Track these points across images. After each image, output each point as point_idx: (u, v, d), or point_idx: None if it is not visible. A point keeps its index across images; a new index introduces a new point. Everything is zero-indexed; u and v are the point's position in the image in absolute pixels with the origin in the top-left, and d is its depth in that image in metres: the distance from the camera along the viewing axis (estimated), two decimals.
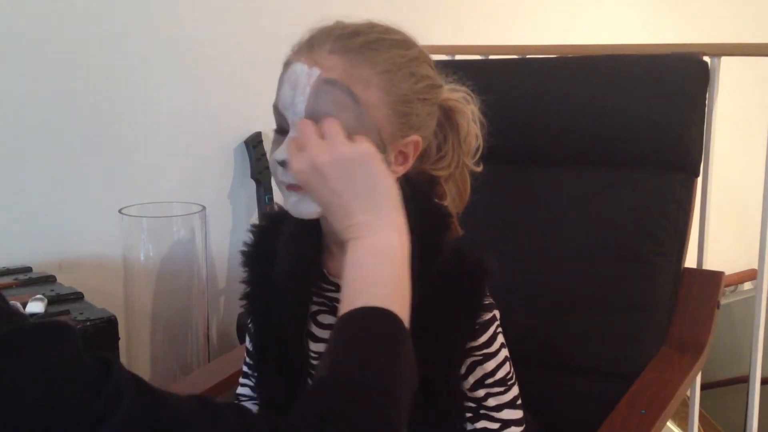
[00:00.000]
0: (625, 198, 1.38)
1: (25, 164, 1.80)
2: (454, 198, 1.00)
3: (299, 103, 0.86)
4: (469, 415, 0.98)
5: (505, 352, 0.98)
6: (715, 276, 1.40)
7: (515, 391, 0.99)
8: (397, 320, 0.75)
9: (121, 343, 1.56)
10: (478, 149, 1.01)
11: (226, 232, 2.16)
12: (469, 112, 0.99)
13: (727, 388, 2.48)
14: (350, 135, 0.84)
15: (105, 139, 1.91)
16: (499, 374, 0.97)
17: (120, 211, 1.81)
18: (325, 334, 0.99)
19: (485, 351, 0.96)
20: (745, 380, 1.72)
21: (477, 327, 0.95)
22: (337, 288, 0.97)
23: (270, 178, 2.08)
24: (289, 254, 0.98)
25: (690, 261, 1.45)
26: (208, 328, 1.92)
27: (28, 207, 1.81)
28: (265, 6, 2.15)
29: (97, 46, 1.87)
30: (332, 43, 0.87)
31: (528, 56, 1.91)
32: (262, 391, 1.07)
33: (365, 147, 0.83)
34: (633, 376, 1.24)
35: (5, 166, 1.77)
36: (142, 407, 0.60)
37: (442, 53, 2.10)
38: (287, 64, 0.89)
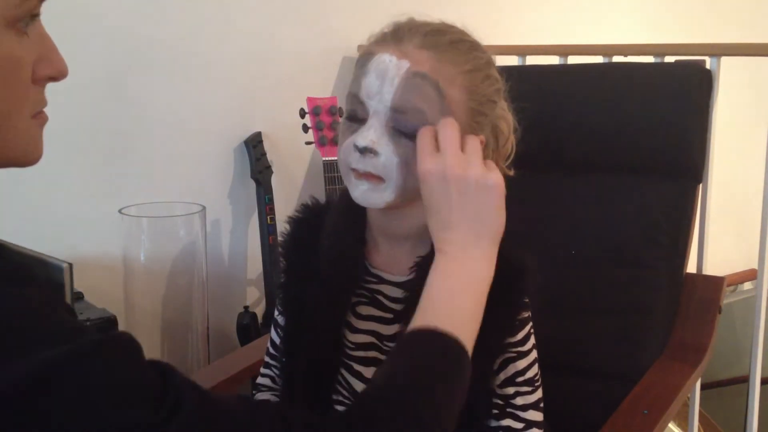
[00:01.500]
0: (628, 203, 1.40)
1: None
2: None
3: (386, 93, 0.87)
4: (495, 411, 0.97)
5: (535, 353, 0.99)
6: (717, 281, 1.42)
7: (540, 393, 0.99)
8: (464, 352, 0.78)
9: None
10: (510, 155, 1.03)
11: (226, 232, 2.16)
12: (510, 119, 1.01)
13: (727, 388, 2.48)
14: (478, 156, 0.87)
15: (105, 139, 1.91)
16: (529, 374, 0.97)
17: (120, 211, 1.80)
18: (363, 325, 0.99)
19: (519, 349, 0.96)
20: (745, 380, 1.72)
21: (516, 323, 0.96)
22: (379, 280, 0.98)
23: (270, 178, 2.07)
24: (334, 247, 0.98)
25: (690, 264, 1.46)
26: (208, 328, 1.92)
27: (29, 207, 1.81)
28: (265, 6, 2.14)
29: (98, 46, 1.86)
30: (421, 38, 0.89)
31: (529, 61, 1.91)
32: (289, 382, 1.06)
33: (495, 178, 0.86)
34: (636, 378, 1.25)
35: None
36: (200, 411, 0.63)
37: None
38: (369, 54, 0.90)
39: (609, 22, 3.00)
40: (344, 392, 1.01)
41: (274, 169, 2.10)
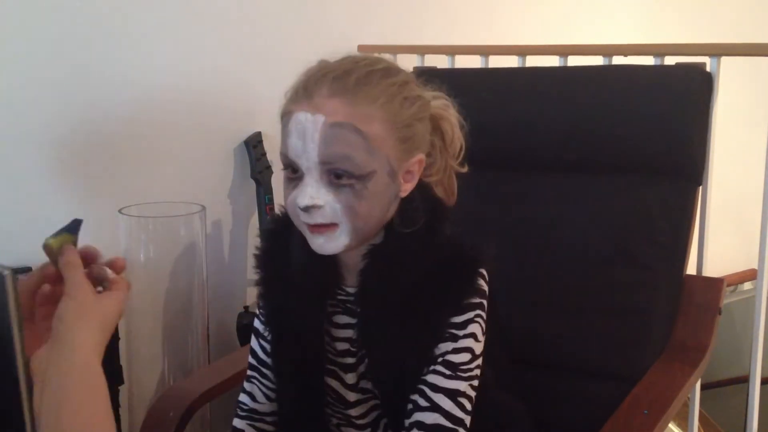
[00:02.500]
0: (628, 205, 1.41)
1: (25, 164, 1.79)
2: (443, 199, 1.04)
3: (311, 151, 0.90)
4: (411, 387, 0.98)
5: (471, 343, 0.96)
6: (717, 283, 1.42)
7: (466, 387, 0.96)
8: None
9: (121, 343, 1.56)
10: (461, 151, 1.04)
11: (226, 232, 2.16)
12: (452, 117, 1.02)
13: (727, 388, 2.48)
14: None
15: (105, 139, 1.91)
16: (454, 359, 0.96)
17: (120, 211, 1.80)
18: (341, 332, 1.03)
19: (453, 331, 0.96)
20: (745, 380, 1.72)
21: (463, 305, 0.96)
22: (347, 295, 1.02)
23: (270, 178, 2.08)
24: (305, 260, 1.00)
25: (690, 265, 1.46)
26: (208, 328, 1.92)
27: (28, 207, 1.81)
28: (265, 7, 2.15)
29: (98, 46, 1.86)
30: (329, 87, 0.91)
31: (529, 61, 1.91)
32: (279, 389, 1.09)
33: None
34: (636, 378, 1.25)
35: (5, 166, 1.77)
36: None
37: (442, 53, 2.10)
38: (288, 114, 0.93)
39: (609, 22, 3.00)
40: (330, 398, 1.05)
41: (274, 169, 2.10)
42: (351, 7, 2.31)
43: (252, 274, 2.20)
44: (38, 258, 1.85)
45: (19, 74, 1.76)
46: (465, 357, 0.96)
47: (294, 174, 0.93)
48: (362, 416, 1.05)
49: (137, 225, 1.81)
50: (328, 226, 0.92)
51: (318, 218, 0.91)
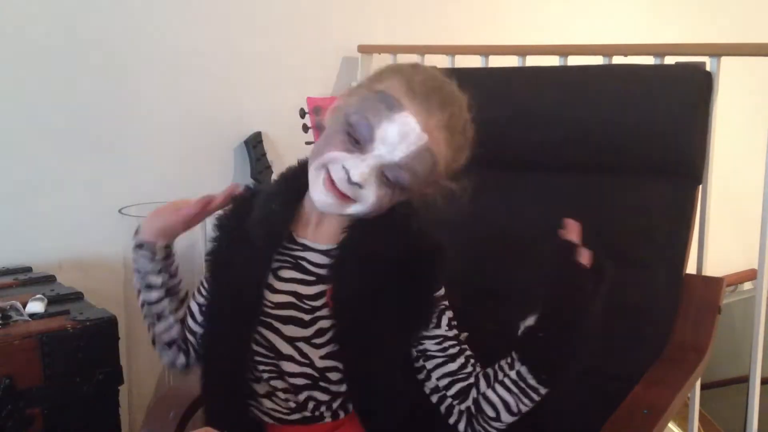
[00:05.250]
0: (628, 204, 1.41)
1: (25, 164, 1.79)
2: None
3: (399, 151, 0.98)
4: (454, 351, 1.10)
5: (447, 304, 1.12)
6: (716, 282, 1.42)
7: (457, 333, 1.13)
8: None
9: (121, 343, 1.56)
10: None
11: None
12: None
13: (727, 388, 2.48)
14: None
15: (105, 139, 1.91)
16: (444, 318, 1.11)
17: (120, 211, 1.80)
18: (284, 286, 1.09)
19: (445, 302, 1.11)
20: (745, 380, 1.72)
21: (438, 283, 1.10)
22: (304, 248, 1.09)
23: (270, 178, 2.07)
24: (262, 208, 1.09)
25: (690, 265, 1.46)
26: None
27: (28, 207, 1.81)
28: (265, 7, 2.14)
29: (98, 46, 1.87)
30: (447, 120, 1.00)
31: (529, 61, 1.91)
32: (209, 338, 1.15)
33: None
34: (636, 378, 1.25)
35: (5, 166, 1.77)
36: None
37: (442, 53, 2.10)
38: (398, 105, 0.98)
39: (609, 23, 3.00)
40: (262, 349, 1.08)
41: (274, 169, 2.10)
42: (351, 7, 2.31)
43: None
44: (38, 258, 1.85)
45: (18, 75, 1.76)
46: (450, 314, 1.11)
47: (355, 144, 0.99)
48: (294, 375, 1.08)
49: (137, 225, 1.80)
50: (347, 198, 1.00)
51: (347, 190, 0.99)
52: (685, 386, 1.24)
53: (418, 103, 0.99)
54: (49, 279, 1.69)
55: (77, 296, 1.60)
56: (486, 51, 1.99)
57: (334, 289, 1.06)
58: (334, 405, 1.10)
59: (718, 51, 1.53)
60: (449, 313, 1.11)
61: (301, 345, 1.07)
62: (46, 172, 1.82)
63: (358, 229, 1.06)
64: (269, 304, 1.08)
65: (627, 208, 1.41)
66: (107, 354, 1.48)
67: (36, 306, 1.48)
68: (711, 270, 1.58)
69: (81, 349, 1.43)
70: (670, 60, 1.64)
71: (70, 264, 1.84)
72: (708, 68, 1.47)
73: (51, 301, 1.53)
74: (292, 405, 1.09)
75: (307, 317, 1.07)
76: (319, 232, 1.10)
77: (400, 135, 0.98)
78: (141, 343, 1.86)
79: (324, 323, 1.07)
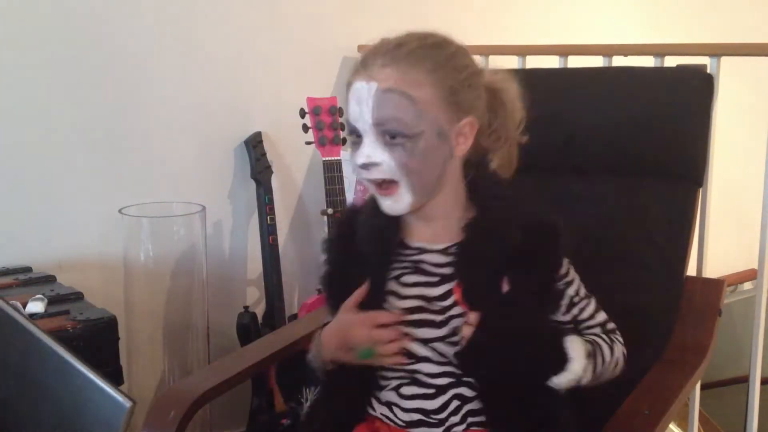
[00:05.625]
0: (629, 206, 1.42)
1: (25, 164, 1.79)
2: (503, 166, 1.13)
3: (366, 114, 1.01)
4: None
5: (575, 274, 1.12)
6: (717, 284, 1.42)
7: (594, 298, 1.14)
8: None
9: (121, 343, 1.56)
10: (521, 122, 1.12)
11: (226, 232, 2.16)
12: (512, 89, 1.11)
13: (727, 388, 2.48)
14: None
15: (105, 139, 1.91)
16: (582, 291, 1.12)
17: (120, 211, 1.80)
18: (410, 291, 1.08)
19: (567, 280, 1.11)
20: (745, 380, 1.72)
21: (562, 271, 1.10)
22: (420, 251, 1.10)
23: (270, 178, 2.07)
24: (368, 226, 1.11)
25: (690, 266, 1.46)
26: (208, 328, 1.92)
27: (28, 207, 1.81)
28: (265, 7, 2.14)
29: (98, 46, 1.87)
30: (382, 58, 1.02)
31: (529, 61, 1.91)
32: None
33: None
34: (636, 379, 1.25)
35: (5, 166, 1.77)
36: None
37: None
38: (349, 84, 1.05)
39: (609, 23, 3.00)
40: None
41: (274, 169, 2.10)
42: (351, 7, 2.31)
43: (252, 274, 2.22)
44: (38, 258, 1.86)
45: (18, 76, 1.76)
46: (581, 284, 1.12)
47: (357, 138, 1.04)
48: (433, 376, 1.07)
49: (137, 225, 1.81)
50: (390, 185, 1.03)
51: (377, 174, 1.02)
52: (685, 387, 1.25)
53: (360, 68, 1.03)
54: (49, 279, 1.69)
55: (77, 296, 1.60)
56: (486, 51, 1.98)
57: (463, 288, 1.06)
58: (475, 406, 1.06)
59: (718, 51, 1.53)
60: (571, 291, 1.11)
61: (436, 345, 1.06)
62: (45, 172, 1.82)
63: (475, 225, 1.07)
64: (399, 310, 1.08)
65: (628, 209, 1.41)
66: (107, 354, 1.48)
67: (36, 306, 1.48)
68: (711, 270, 1.58)
69: (81, 349, 1.43)
70: (670, 60, 1.64)
71: (70, 264, 1.84)
72: (708, 69, 1.47)
73: (51, 301, 1.53)
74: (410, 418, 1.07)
75: (438, 318, 1.06)
76: (430, 235, 1.10)
77: (358, 102, 1.02)
78: (141, 343, 1.86)
79: (457, 321, 1.05)
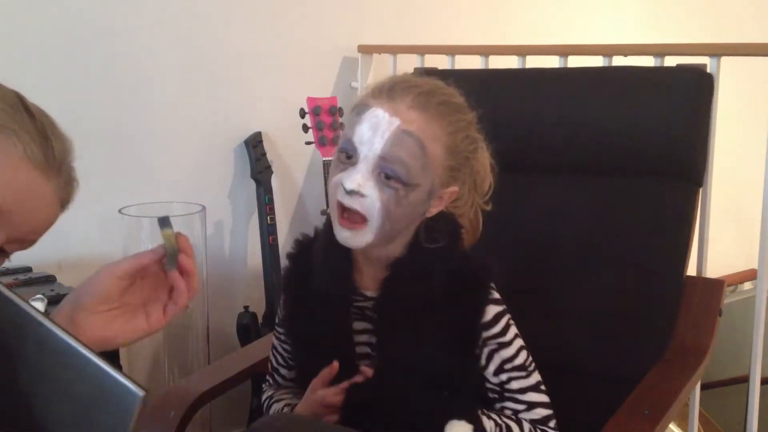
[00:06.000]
0: (629, 206, 1.42)
1: None
2: (467, 232, 1.12)
3: (377, 143, 0.99)
4: (494, 396, 1.07)
5: (520, 342, 1.08)
6: (717, 284, 1.42)
7: (537, 377, 1.08)
8: None
9: None
10: (489, 190, 1.12)
11: (226, 232, 2.16)
12: (486, 158, 1.10)
13: (727, 388, 2.48)
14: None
15: (105, 139, 1.91)
16: (518, 360, 1.06)
17: (120, 211, 1.80)
18: (360, 338, 1.09)
19: (500, 340, 1.06)
20: (745, 380, 1.72)
21: (489, 319, 1.05)
22: (365, 299, 1.09)
23: (270, 178, 2.07)
24: (325, 267, 1.09)
25: (690, 266, 1.46)
26: (208, 328, 1.92)
27: None
28: (265, 7, 2.14)
29: (98, 46, 1.87)
30: (413, 99, 1.00)
31: (529, 61, 1.91)
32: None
33: None
34: (637, 379, 1.25)
35: None
36: None
37: (442, 53, 2.10)
38: (366, 105, 1.02)
39: (609, 23, 3.00)
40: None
41: (274, 169, 2.10)
42: (351, 7, 2.31)
43: (252, 274, 2.21)
44: (38, 258, 1.85)
45: (18, 75, 1.76)
46: (524, 354, 1.07)
47: (347, 159, 1.01)
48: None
49: (137, 225, 1.81)
50: (358, 220, 1.00)
51: (356, 205, 0.99)
52: (686, 387, 1.25)
53: (384, 96, 1.01)
54: (49, 279, 1.69)
55: None
56: (486, 51, 1.98)
57: (376, 341, 1.07)
58: None
59: (718, 51, 1.53)
60: (505, 353, 1.06)
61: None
62: None
63: (402, 264, 1.05)
64: (357, 355, 1.09)
65: (628, 210, 1.41)
66: (107, 354, 1.48)
67: (36, 306, 1.48)
68: (711, 270, 1.58)
69: None
70: (670, 60, 1.64)
71: (70, 264, 1.84)
72: (708, 69, 1.47)
73: (51, 302, 1.53)
74: None
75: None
76: (371, 278, 1.09)
77: (372, 128, 0.99)
78: (141, 343, 1.86)
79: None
